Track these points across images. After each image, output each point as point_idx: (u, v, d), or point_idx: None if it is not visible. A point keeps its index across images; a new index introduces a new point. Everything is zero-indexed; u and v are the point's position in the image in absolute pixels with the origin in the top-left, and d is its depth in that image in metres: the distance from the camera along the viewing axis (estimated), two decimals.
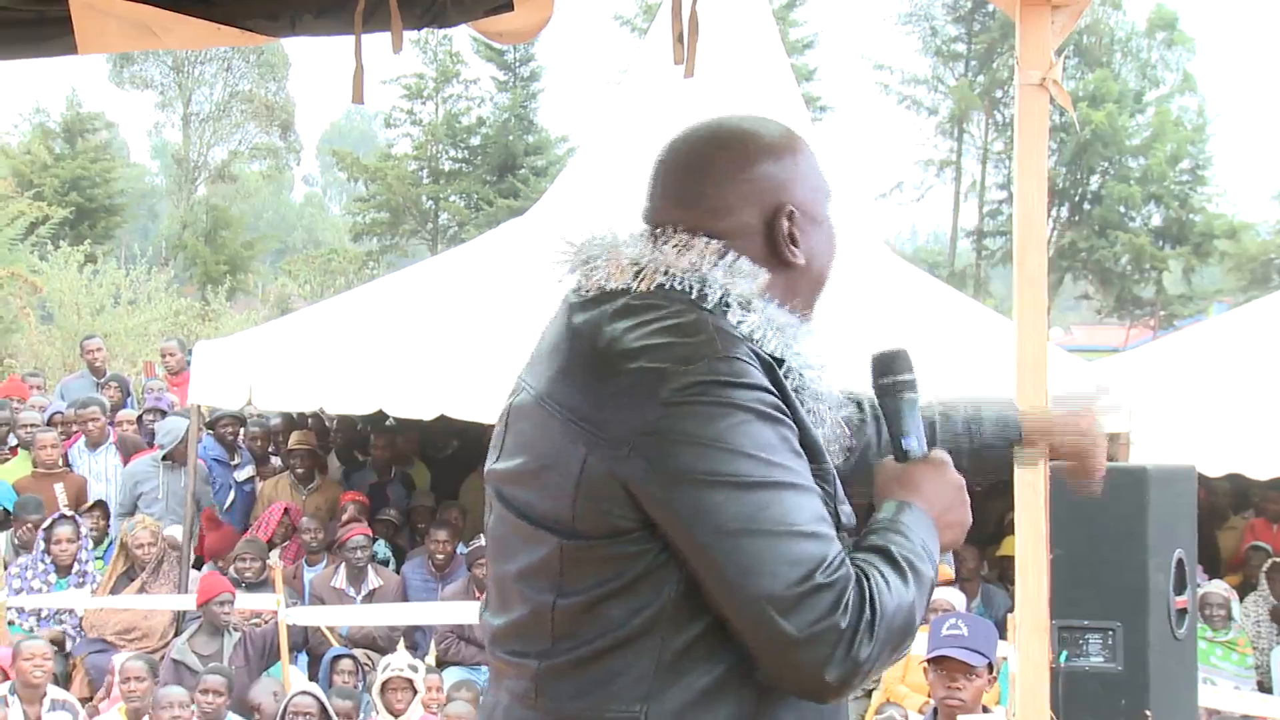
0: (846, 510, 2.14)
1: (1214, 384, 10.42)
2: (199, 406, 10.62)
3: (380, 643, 9.85)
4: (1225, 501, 11.70)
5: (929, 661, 5.36)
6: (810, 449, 2.06)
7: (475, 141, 42.49)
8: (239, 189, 48.73)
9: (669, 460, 1.95)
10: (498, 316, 9.63)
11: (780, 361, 2.08)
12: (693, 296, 2.07)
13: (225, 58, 45.16)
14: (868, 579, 1.97)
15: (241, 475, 11.81)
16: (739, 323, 2.07)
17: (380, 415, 10.85)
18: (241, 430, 12.12)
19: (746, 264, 2.12)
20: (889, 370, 2.28)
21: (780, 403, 2.02)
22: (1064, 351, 12.42)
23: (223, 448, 11.75)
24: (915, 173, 44.26)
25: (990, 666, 5.25)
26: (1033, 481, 3.43)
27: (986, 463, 2.69)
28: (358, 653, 9.24)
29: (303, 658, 9.69)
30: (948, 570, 2.21)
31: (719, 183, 2.18)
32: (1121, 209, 39.22)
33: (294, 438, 11.69)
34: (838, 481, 2.14)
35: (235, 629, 9.22)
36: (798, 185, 2.22)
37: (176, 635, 9.60)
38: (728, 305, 2.08)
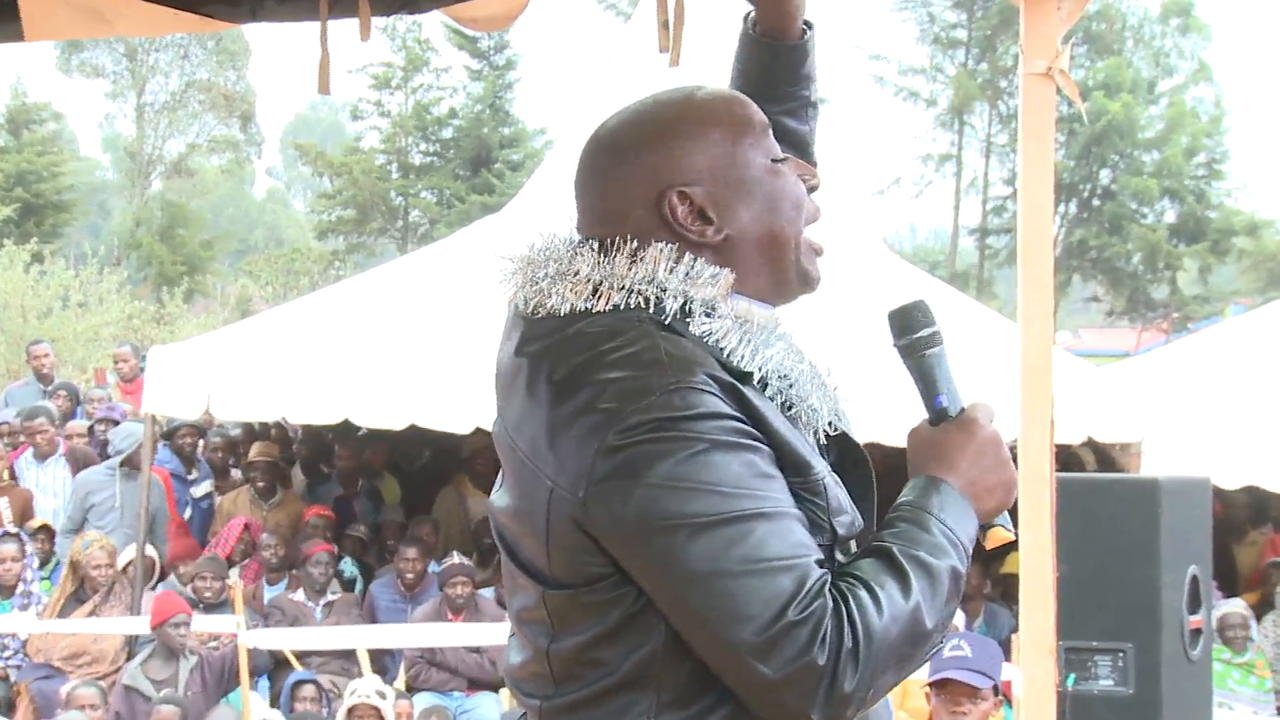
0: (844, 520, 2.11)
1: (1230, 391, 10.47)
2: (154, 416, 10.59)
3: None
4: (1243, 515, 11.72)
5: (931, 685, 5.36)
6: (793, 463, 2.04)
7: (447, 134, 42.54)
8: (196, 184, 48.70)
9: (626, 507, 1.94)
10: (471, 320, 9.61)
11: (747, 375, 2.06)
12: (650, 311, 2.05)
13: (182, 45, 45.08)
14: (847, 601, 1.94)
15: (199, 491, 11.77)
16: (704, 332, 2.05)
17: (347, 425, 10.85)
18: (201, 442, 12.09)
19: (706, 266, 2.11)
20: (909, 327, 2.24)
21: (744, 425, 2.00)
22: (1072, 356, 12.45)
23: (180, 460, 11.72)
24: (914, 167, 44.21)
25: (996, 689, 5.26)
26: (1038, 494, 3.44)
27: None
28: (322, 679, 9.23)
29: (263, 682, 9.67)
30: (1007, 534, 2.17)
31: (603, 193, 2.19)
32: (1134, 205, 39.38)
33: (255, 449, 11.66)
34: (832, 489, 2.10)
35: (192, 652, 9.19)
36: (685, 160, 2.17)
37: (129, 659, 9.56)
38: (690, 314, 2.06)
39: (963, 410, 2.20)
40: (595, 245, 2.15)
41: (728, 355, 2.05)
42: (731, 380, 2.02)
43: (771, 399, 2.08)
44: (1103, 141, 38.74)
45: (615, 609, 2.01)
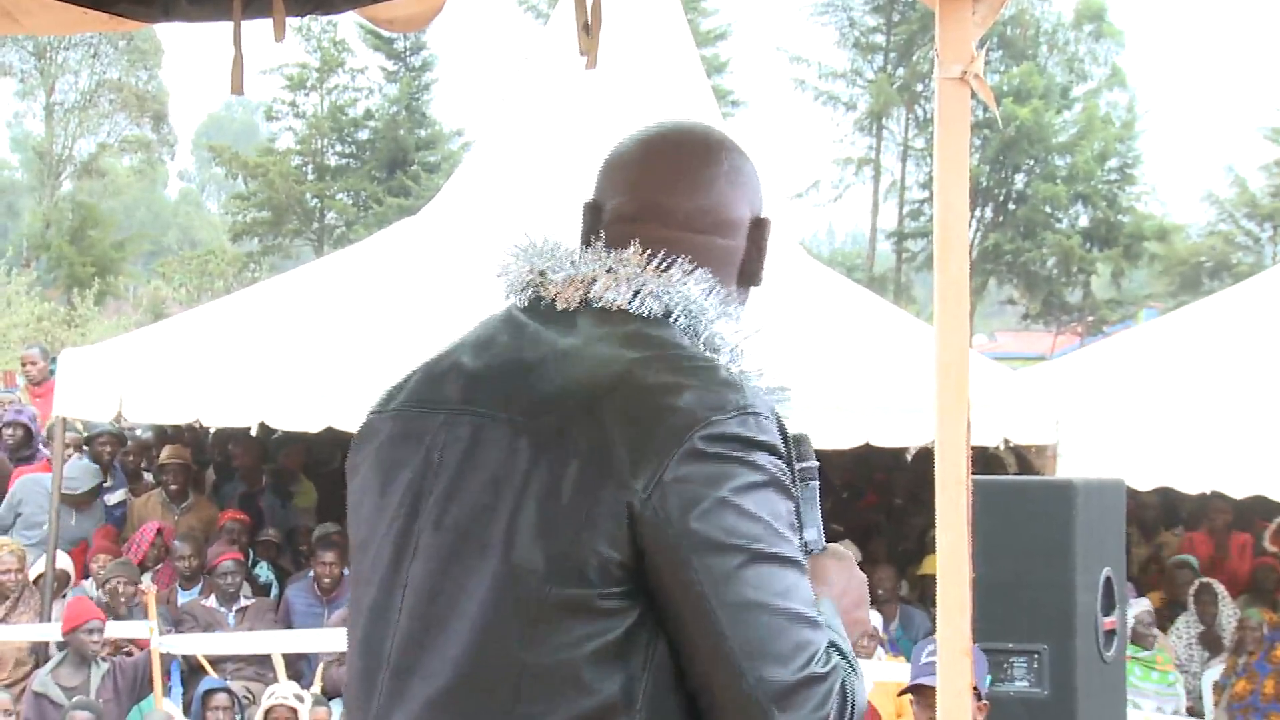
0: None
1: (1143, 394, 10.59)
2: (64, 419, 10.46)
3: None
4: (1155, 516, 11.87)
5: (913, 691, 5.26)
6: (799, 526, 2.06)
7: (363, 135, 42.33)
8: (108, 185, 48.18)
9: (692, 512, 1.89)
10: (388, 322, 9.59)
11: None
12: (691, 333, 2.07)
13: (92, 43, 44.54)
14: (846, 671, 1.98)
15: (113, 499, 11.60)
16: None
17: (263, 428, 10.77)
18: (120, 450, 11.92)
19: (733, 304, 2.13)
20: (799, 457, 2.22)
21: (789, 472, 2.01)
22: (988, 360, 12.56)
23: (97, 468, 11.55)
24: (833, 171, 44.31)
25: (978, 693, 5.08)
26: (955, 497, 3.47)
27: None
28: (236, 685, 9.16)
29: (177, 689, 9.57)
30: None
31: (724, 196, 2.18)
32: (1048, 209, 39.71)
33: (166, 452, 11.53)
34: None
35: (104, 659, 9.09)
36: (763, 192, 2.24)
37: (38, 666, 9.45)
38: (716, 348, 2.08)
39: (825, 548, 2.24)
40: (638, 249, 2.12)
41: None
42: (783, 425, 2.03)
43: None
44: (1015, 147, 39.06)
45: (616, 622, 1.91)
